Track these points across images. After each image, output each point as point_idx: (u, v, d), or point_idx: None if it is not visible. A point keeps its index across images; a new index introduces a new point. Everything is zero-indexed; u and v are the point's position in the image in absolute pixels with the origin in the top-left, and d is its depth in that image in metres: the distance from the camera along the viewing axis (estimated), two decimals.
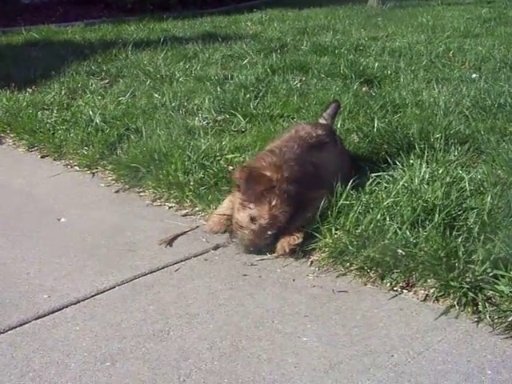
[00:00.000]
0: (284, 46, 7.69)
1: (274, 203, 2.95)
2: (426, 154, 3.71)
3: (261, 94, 5.35)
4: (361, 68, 6.16)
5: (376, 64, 6.34)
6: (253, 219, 2.99)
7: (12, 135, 5.08)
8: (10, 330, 2.45)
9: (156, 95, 5.49)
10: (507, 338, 2.30)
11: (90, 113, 4.94)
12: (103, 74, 6.60)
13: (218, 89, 5.49)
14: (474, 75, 5.93)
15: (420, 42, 7.91)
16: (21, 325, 2.48)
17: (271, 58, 6.72)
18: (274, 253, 2.99)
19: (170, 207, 3.60)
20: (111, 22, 10.90)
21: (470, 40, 7.95)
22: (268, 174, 3.00)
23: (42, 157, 4.65)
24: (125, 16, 11.73)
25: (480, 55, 6.82)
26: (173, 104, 5.17)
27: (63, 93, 5.90)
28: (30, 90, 6.09)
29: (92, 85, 6.13)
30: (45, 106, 5.52)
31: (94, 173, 4.21)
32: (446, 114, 4.61)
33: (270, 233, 3.00)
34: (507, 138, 4.04)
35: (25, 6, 12.42)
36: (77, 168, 4.33)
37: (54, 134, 4.79)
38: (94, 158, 4.29)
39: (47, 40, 8.96)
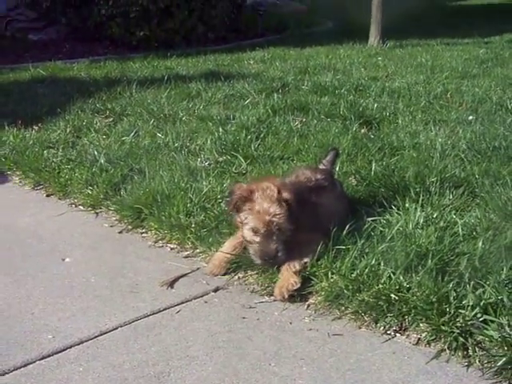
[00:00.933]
0: (285, 85, 7.78)
1: (265, 210, 3.09)
2: (421, 197, 3.81)
3: (262, 135, 5.45)
4: (360, 109, 6.27)
5: (375, 105, 6.45)
6: (254, 231, 3.13)
7: (18, 173, 5.18)
8: (14, 370, 2.53)
9: (159, 135, 5.59)
10: (496, 382, 2.38)
11: (95, 153, 5.05)
12: (108, 112, 6.71)
13: (220, 129, 5.60)
14: (470, 117, 6.03)
15: (419, 82, 8.03)
16: (25, 365, 2.57)
17: (272, 98, 6.83)
18: (272, 296, 3.08)
19: (171, 248, 3.70)
20: (116, 58, 11.05)
21: (468, 81, 8.08)
22: (253, 187, 3.17)
23: (47, 195, 4.75)
24: (130, 53, 11.90)
25: (477, 97, 6.92)
26: (176, 144, 5.27)
27: (68, 131, 6.02)
28: (37, 128, 6.21)
29: (96, 123, 6.25)
30: (50, 144, 5.62)
31: (97, 213, 4.31)
32: (443, 156, 4.71)
33: (275, 239, 3.12)
34: (501, 182, 4.12)
35: (33, 43, 12.62)
36: (81, 207, 4.43)
37: (59, 173, 4.88)
38: (98, 198, 4.39)
39: (53, 77, 9.13)
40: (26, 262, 3.57)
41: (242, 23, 15.35)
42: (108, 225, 4.11)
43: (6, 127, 6.14)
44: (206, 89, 7.74)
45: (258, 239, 3.14)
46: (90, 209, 4.38)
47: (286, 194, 3.12)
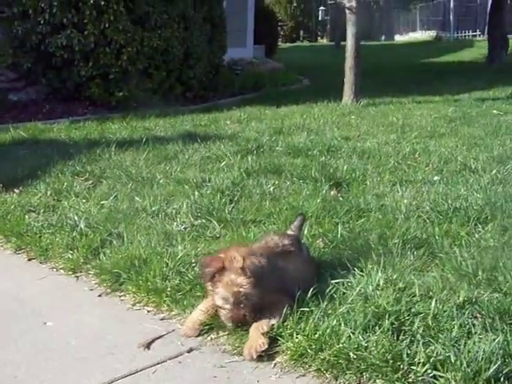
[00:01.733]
0: (260, 146, 8.00)
1: (233, 281, 3.34)
2: (382, 259, 4.05)
3: (235, 198, 5.66)
4: (331, 170, 6.50)
5: (345, 167, 6.66)
6: (224, 300, 3.37)
7: (0, 237, 5.31)
8: None
9: (137, 198, 5.76)
10: None
11: (75, 217, 5.22)
12: (87, 174, 6.85)
13: (196, 193, 5.80)
14: (435, 178, 6.28)
15: (389, 142, 8.30)
16: None
17: (247, 161, 7.06)
18: (241, 355, 3.28)
19: (148, 311, 3.88)
20: (96, 118, 11.27)
21: (436, 140, 8.38)
22: (221, 256, 3.43)
23: (28, 259, 4.87)
24: (109, 113, 12.12)
25: (443, 157, 7.20)
26: (153, 208, 5.45)
27: (49, 194, 6.16)
28: (17, 191, 6.33)
29: (76, 186, 6.40)
30: (31, 208, 5.75)
31: (78, 276, 4.47)
32: (407, 217, 4.97)
33: (243, 306, 3.36)
34: (458, 243, 4.40)
35: (13, 103, 12.78)
36: (62, 271, 4.58)
37: (40, 237, 5.02)
38: (79, 262, 4.55)
39: (34, 138, 9.31)
40: (8, 326, 3.74)
41: (220, 83, 15.70)
42: (88, 288, 4.29)
43: None
44: (183, 150, 7.95)
45: (227, 306, 3.38)
46: (70, 273, 4.53)
47: (250, 264, 3.35)
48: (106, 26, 12.07)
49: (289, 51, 27.08)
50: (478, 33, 42.40)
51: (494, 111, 11.18)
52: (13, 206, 5.79)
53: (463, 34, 44.04)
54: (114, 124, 10.53)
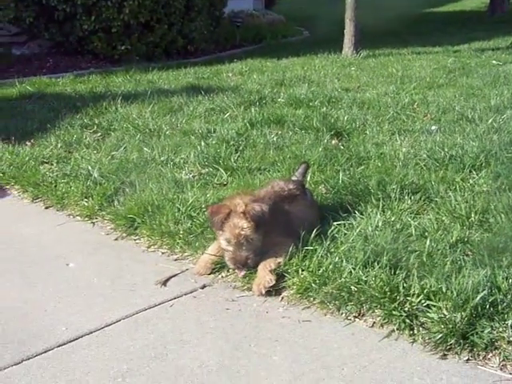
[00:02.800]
0: (262, 98, 8.17)
1: (235, 224, 3.60)
2: (381, 203, 4.31)
3: (240, 148, 5.88)
4: (332, 121, 6.70)
5: (346, 117, 6.86)
6: (227, 241, 3.64)
7: (17, 187, 5.55)
8: (37, 355, 3.02)
9: (146, 149, 5.98)
10: (434, 353, 2.92)
11: (89, 168, 5.46)
12: (95, 127, 7.06)
13: (202, 143, 6.01)
14: (433, 127, 6.46)
15: (388, 93, 8.48)
16: (45, 351, 3.05)
17: (250, 112, 7.25)
18: (251, 291, 3.57)
19: (163, 253, 4.16)
20: (99, 72, 11.40)
21: (434, 91, 8.58)
22: (227, 203, 3.69)
23: (46, 207, 5.13)
24: (112, 66, 12.30)
25: (441, 107, 7.39)
26: (161, 158, 5.69)
27: (59, 146, 6.38)
28: (29, 144, 6.55)
29: (86, 138, 6.62)
30: (45, 160, 5.99)
31: (94, 222, 4.74)
32: (405, 165, 5.20)
33: (245, 248, 3.62)
34: (453, 188, 4.64)
35: (16, 58, 12.89)
36: (78, 218, 4.84)
37: (56, 186, 5.27)
38: (94, 209, 4.81)
39: (40, 92, 9.47)
40: (34, 268, 4.03)
41: (221, 35, 15.76)
42: (104, 233, 4.56)
43: (1, 143, 6.52)
44: (187, 103, 8.12)
45: (230, 248, 3.66)
46: (86, 219, 4.79)
47: (251, 209, 3.61)
48: None
49: (289, 2, 26.83)
50: None
51: (493, 61, 11.30)
52: (27, 158, 6.00)
53: None
54: (117, 77, 10.66)
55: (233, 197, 3.86)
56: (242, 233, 3.62)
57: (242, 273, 3.65)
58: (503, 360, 2.85)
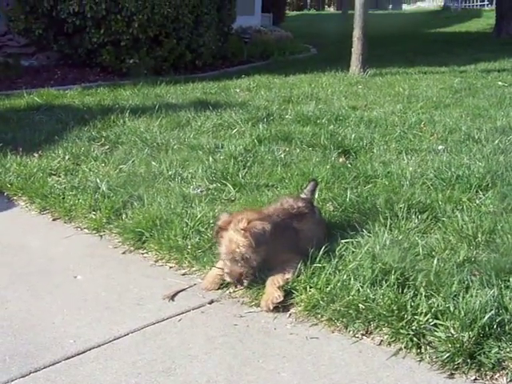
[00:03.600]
0: (270, 115, 8.20)
1: (231, 239, 3.64)
2: (389, 221, 4.33)
3: (248, 163, 5.89)
4: (339, 139, 6.71)
5: (353, 135, 6.86)
6: (225, 254, 3.70)
7: (24, 198, 5.56)
8: (44, 368, 3.03)
9: (154, 163, 6.01)
10: (441, 372, 2.93)
11: (97, 180, 5.49)
12: (103, 139, 7.09)
13: (210, 158, 6.03)
14: (440, 147, 6.47)
15: (395, 112, 8.48)
16: (53, 364, 3.06)
17: (258, 128, 7.26)
18: (259, 307, 3.58)
19: (170, 267, 4.18)
20: (107, 85, 11.45)
21: (441, 111, 8.57)
22: (231, 215, 3.75)
23: (53, 219, 5.14)
24: (120, 80, 12.31)
25: (448, 127, 7.37)
26: (169, 172, 5.70)
27: (67, 158, 6.41)
28: (37, 155, 6.58)
29: (94, 151, 6.65)
30: (52, 172, 6.02)
31: (101, 235, 4.75)
32: (412, 184, 5.22)
33: (240, 265, 3.65)
34: (460, 208, 4.66)
35: (25, 69, 12.99)
36: (86, 231, 4.85)
37: (63, 198, 5.28)
38: (102, 222, 4.83)
39: (48, 104, 9.51)
40: (42, 279, 4.04)
41: (228, 51, 15.86)
42: (112, 246, 4.58)
43: (9, 154, 6.53)
44: (195, 118, 8.15)
45: (227, 262, 3.70)
46: (94, 232, 4.81)
47: (251, 227, 3.62)
48: None
49: (296, 19, 27.04)
50: (485, 2, 42.22)
51: (499, 83, 11.31)
52: (35, 169, 6.03)
53: (471, 4, 43.83)
54: (125, 91, 10.71)
55: (240, 212, 3.89)
56: (237, 250, 3.65)
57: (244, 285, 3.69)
58: (510, 380, 2.85)
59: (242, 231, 3.64)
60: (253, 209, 4.10)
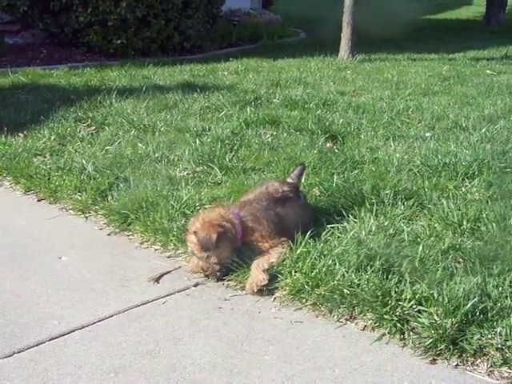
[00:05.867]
0: (258, 98, 8.17)
1: (188, 240, 3.76)
2: (375, 208, 4.34)
3: (235, 147, 5.88)
4: (327, 124, 6.71)
5: (341, 120, 6.88)
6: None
7: (9, 179, 5.53)
8: (28, 348, 3.02)
9: (140, 145, 5.98)
10: (424, 358, 2.95)
11: (83, 161, 5.46)
12: (89, 120, 7.04)
13: (197, 141, 6.00)
14: (427, 134, 6.50)
15: (383, 98, 8.51)
16: (37, 345, 3.05)
17: (245, 112, 7.24)
18: (243, 290, 3.59)
19: (156, 249, 4.17)
20: (94, 66, 11.33)
21: (429, 98, 8.61)
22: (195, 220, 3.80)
23: (38, 200, 5.11)
24: (107, 60, 12.26)
25: (435, 114, 7.42)
26: (156, 154, 5.68)
27: (53, 138, 6.37)
28: (22, 135, 6.54)
29: (80, 131, 6.61)
30: (38, 152, 5.98)
31: (87, 217, 4.73)
32: (398, 170, 5.23)
33: (203, 261, 3.70)
34: (446, 195, 4.68)
35: (9, 47, 12.76)
36: (71, 212, 4.83)
37: (49, 179, 5.25)
38: (87, 204, 4.81)
39: (34, 83, 9.41)
40: (26, 260, 4.02)
41: (217, 33, 15.75)
42: (97, 228, 4.56)
43: None
44: (182, 100, 8.11)
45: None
46: (79, 213, 4.79)
47: (199, 234, 3.67)
48: None
49: (286, 3, 26.87)
50: None
51: (488, 71, 11.36)
52: (20, 150, 5.99)
53: None
54: (112, 71, 10.63)
55: (213, 208, 3.96)
56: (193, 251, 3.72)
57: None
58: (491, 366, 2.88)
59: (194, 233, 3.69)
60: (224, 204, 4.11)
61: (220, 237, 3.67)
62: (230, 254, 3.75)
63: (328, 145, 6.12)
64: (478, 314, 3.04)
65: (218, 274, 3.72)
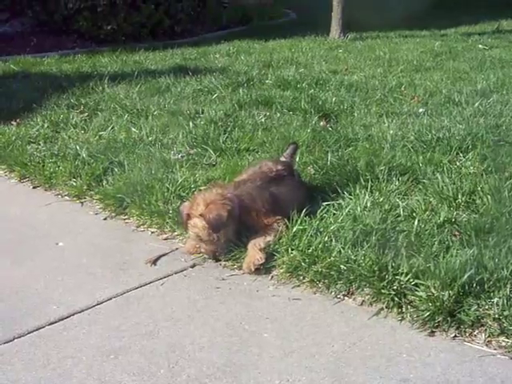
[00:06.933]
0: (250, 79, 8.15)
1: (193, 225, 3.70)
2: (370, 184, 4.34)
3: (229, 128, 5.87)
4: (320, 103, 6.70)
5: (334, 99, 6.87)
6: (192, 236, 3.76)
7: (3, 167, 5.54)
8: (28, 333, 3.04)
9: (134, 129, 5.97)
10: (422, 331, 2.97)
11: (77, 147, 5.45)
12: (82, 107, 7.02)
13: (190, 123, 6.00)
14: (420, 110, 6.50)
15: (376, 75, 8.50)
16: (37, 329, 3.07)
17: (238, 93, 7.24)
18: (241, 270, 3.60)
19: (152, 232, 4.18)
20: (85, 52, 11.33)
21: (421, 74, 8.60)
22: (193, 201, 3.76)
23: (33, 187, 5.12)
24: (97, 46, 12.21)
25: (428, 90, 7.42)
26: (150, 138, 5.68)
27: (46, 125, 6.37)
28: (15, 123, 6.54)
29: (73, 118, 6.59)
30: (31, 139, 5.98)
31: (82, 202, 4.74)
32: (392, 147, 5.23)
33: (209, 244, 3.68)
34: (441, 170, 4.68)
35: None
36: (67, 198, 4.84)
37: (43, 166, 5.24)
38: (82, 189, 4.81)
39: (25, 71, 9.42)
40: (23, 246, 4.03)
41: (207, 16, 15.65)
42: (93, 213, 4.57)
43: None
44: (174, 83, 8.09)
45: (196, 242, 3.77)
46: (75, 199, 4.79)
47: (207, 214, 3.62)
48: None
49: None
50: None
51: (480, 46, 11.34)
52: (13, 137, 5.99)
53: None
54: (103, 57, 10.62)
55: (202, 192, 3.91)
56: (200, 234, 3.68)
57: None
58: (489, 336, 2.90)
59: (201, 216, 3.66)
60: (219, 184, 4.09)
61: (229, 215, 3.66)
62: (235, 232, 3.76)
63: (322, 123, 6.11)
64: (474, 285, 3.05)
65: (222, 252, 3.72)
